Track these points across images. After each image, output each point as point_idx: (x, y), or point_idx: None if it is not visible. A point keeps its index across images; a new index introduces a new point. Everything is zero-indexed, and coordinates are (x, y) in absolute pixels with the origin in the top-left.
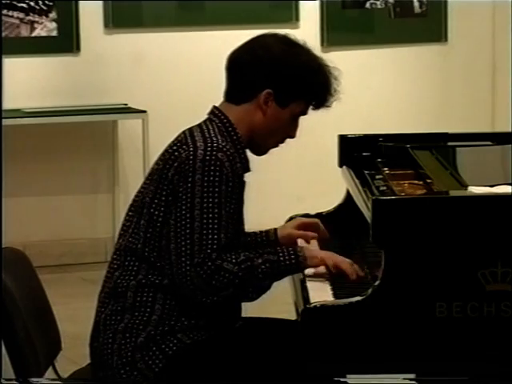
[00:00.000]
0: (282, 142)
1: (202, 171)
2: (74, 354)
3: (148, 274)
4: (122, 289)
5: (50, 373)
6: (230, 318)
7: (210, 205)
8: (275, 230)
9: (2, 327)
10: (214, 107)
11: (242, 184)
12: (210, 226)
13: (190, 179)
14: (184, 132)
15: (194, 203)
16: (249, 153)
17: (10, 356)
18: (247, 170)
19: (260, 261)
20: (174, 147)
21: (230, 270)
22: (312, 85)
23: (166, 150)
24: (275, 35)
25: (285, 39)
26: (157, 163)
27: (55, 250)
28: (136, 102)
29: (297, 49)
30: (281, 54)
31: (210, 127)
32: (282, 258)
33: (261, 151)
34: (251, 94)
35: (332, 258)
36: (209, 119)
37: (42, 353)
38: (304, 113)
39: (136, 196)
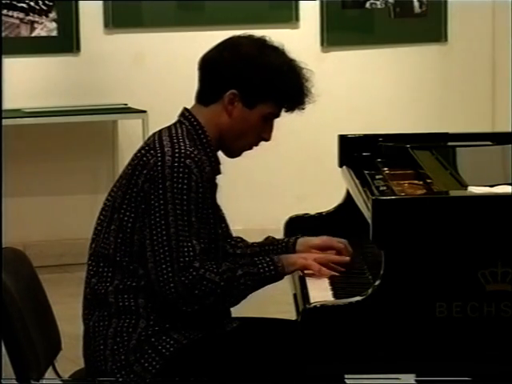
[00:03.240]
0: (256, 144)
1: (172, 177)
2: (74, 354)
3: (124, 279)
4: (101, 296)
5: (50, 373)
6: (220, 317)
7: (182, 212)
8: (296, 239)
9: (2, 327)
10: (185, 109)
11: (214, 187)
12: (185, 232)
13: (160, 185)
14: (154, 134)
15: (167, 209)
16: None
17: (9, 356)
18: (218, 172)
19: (241, 272)
20: (143, 151)
21: (212, 280)
22: (278, 86)
23: (135, 154)
24: (249, 37)
25: (258, 41)
26: (126, 167)
27: (55, 249)
28: (136, 102)
29: (267, 50)
30: (247, 54)
31: (179, 131)
32: (261, 270)
33: (232, 153)
34: (217, 94)
35: (307, 262)
36: (179, 122)
37: (41, 353)
38: (276, 115)
39: (106, 200)
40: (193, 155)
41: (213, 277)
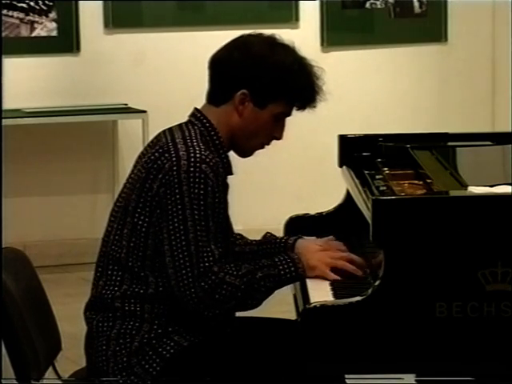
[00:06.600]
0: (268, 143)
1: (188, 182)
2: (74, 354)
3: (132, 284)
4: (108, 300)
5: (50, 373)
6: (223, 320)
7: (200, 217)
8: (295, 240)
9: (2, 327)
10: (196, 109)
11: (226, 187)
12: (204, 237)
13: (177, 191)
14: (164, 134)
15: (185, 215)
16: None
17: (9, 356)
18: (229, 173)
19: (261, 274)
20: (156, 154)
21: (232, 284)
22: (290, 85)
23: (147, 157)
24: (259, 35)
25: (268, 39)
26: (138, 170)
27: (55, 249)
28: (136, 101)
29: (277, 48)
30: (257, 53)
31: (193, 133)
32: (282, 272)
33: (244, 153)
34: (228, 94)
35: (331, 263)
36: (190, 122)
37: (42, 353)
38: (287, 114)
39: (118, 201)
40: (208, 160)
41: (233, 280)
